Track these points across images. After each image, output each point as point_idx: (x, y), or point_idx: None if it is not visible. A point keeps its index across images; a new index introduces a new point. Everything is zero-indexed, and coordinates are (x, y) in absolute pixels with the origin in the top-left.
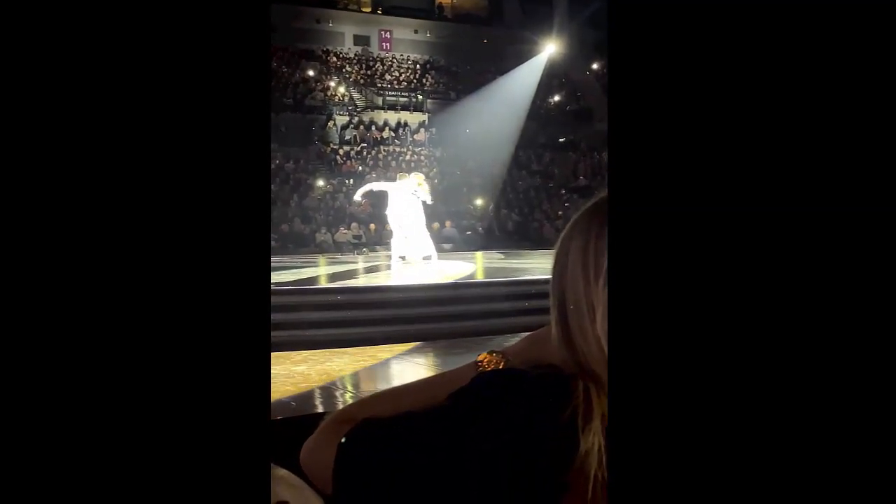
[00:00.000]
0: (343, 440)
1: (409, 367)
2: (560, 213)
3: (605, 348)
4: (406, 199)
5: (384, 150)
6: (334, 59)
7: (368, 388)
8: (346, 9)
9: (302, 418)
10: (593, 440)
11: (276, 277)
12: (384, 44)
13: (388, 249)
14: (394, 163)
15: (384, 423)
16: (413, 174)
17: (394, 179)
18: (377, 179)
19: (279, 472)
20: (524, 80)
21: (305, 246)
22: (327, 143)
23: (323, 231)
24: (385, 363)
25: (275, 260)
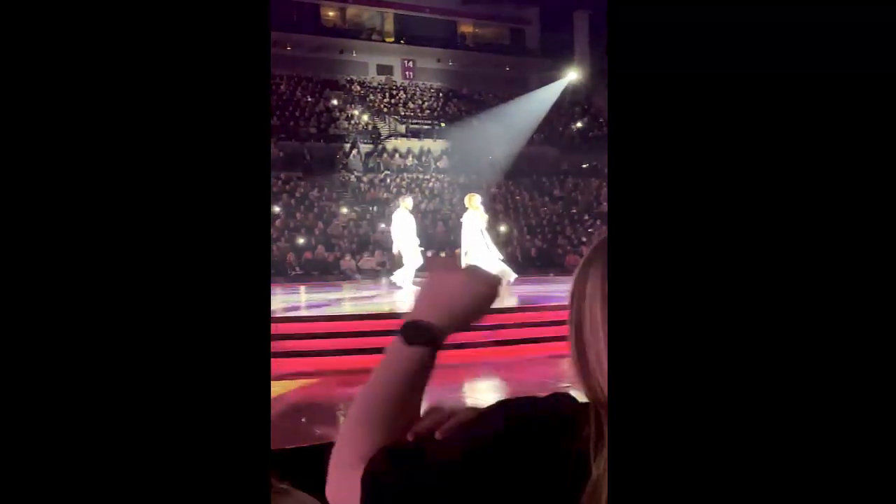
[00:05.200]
0: (366, 470)
1: None
2: (584, 239)
3: None
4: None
5: (408, 178)
6: (358, 88)
7: None
8: (369, 39)
9: (325, 445)
10: (604, 468)
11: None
12: (407, 73)
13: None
14: (417, 189)
15: (406, 451)
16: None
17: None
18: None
19: (303, 498)
20: (539, 104)
21: (330, 273)
22: (351, 171)
23: (347, 258)
24: None
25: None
